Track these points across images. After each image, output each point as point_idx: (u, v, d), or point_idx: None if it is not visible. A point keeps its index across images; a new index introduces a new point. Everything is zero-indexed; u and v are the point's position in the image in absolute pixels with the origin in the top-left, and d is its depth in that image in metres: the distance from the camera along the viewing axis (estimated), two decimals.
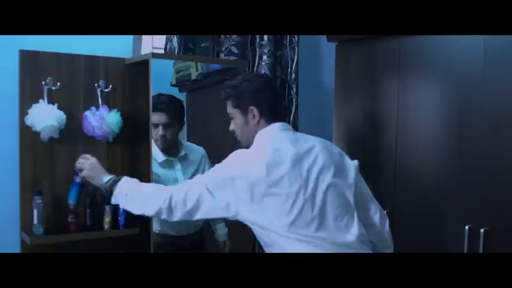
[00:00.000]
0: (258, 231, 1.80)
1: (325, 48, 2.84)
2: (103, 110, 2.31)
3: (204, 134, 2.60)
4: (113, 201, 2.00)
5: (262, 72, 2.71)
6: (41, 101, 2.23)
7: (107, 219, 2.31)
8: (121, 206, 2.03)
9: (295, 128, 2.81)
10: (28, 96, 2.22)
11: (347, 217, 1.79)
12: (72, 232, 2.25)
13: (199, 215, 1.79)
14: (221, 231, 2.59)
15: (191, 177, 2.43)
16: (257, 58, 2.73)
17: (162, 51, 2.58)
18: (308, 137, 1.91)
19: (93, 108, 2.31)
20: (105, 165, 2.41)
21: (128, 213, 2.36)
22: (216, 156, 2.61)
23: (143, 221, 2.37)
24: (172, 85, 2.61)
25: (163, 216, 1.84)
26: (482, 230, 1.92)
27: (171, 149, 2.46)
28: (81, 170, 2.12)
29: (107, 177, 2.04)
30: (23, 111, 2.20)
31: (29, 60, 2.22)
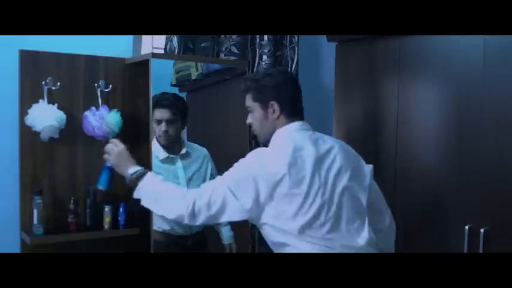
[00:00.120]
0: (268, 231, 1.77)
1: (325, 48, 2.84)
2: (103, 110, 2.31)
3: (204, 134, 2.61)
4: (135, 195, 1.92)
5: None
6: (41, 101, 2.23)
7: (107, 219, 2.32)
8: (141, 204, 1.93)
9: None
10: (28, 96, 2.22)
11: (358, 221, 1.78)
12: (72, 232, 2.25)
13: (223, 218, 1.75)
14: (227, 233, 2.58)
15: (192, 176, 2.47)
16: (257, 58, 2.73)
17: (162, 51, 2.58)
18: (326, 138, 1.88)
19: (93, 108, 2.31)
20: None
21: (127, 213, 2.37)
22: (216, 156, 2.63)
23: (143, 221, 2.37)
24: (172, 85, 2.61)
25: (186, 222, 1.79)
26: (482, 230, 1.92)
27: (173, 146, 2.47)
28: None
29: (133, 169, 1.95)
30: (23, 111, 2.20)
31: (29, 60, 2.23)
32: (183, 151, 2.49)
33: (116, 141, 2.06)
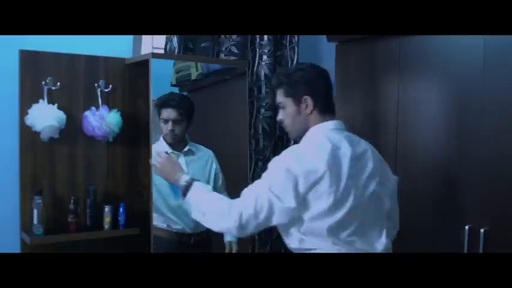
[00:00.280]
0: (291, 232, 1.74)
1: (325, 48, 2.84)
2: (103, 110, 2.31)
3: (204, 134, 2.61)
4: (184, 206, 1.88)
5: (263, 72, 2.71)
6: (41, 101, 2.23)
7: (107, 219, 2.32)
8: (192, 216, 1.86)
9: None
10: (28, 96, 2.22)
11: (378, 227, 1.78)
12: (72, 232, 2.25)
13: (273, 222, 1.69)
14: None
15: (195, 174, 2.46)
16: (257, 58, 2.73)
17: (162, 51, 2.58)
18: (360, 140, 1.84)
19: (93, 108, 2.32)
20: (105, 165, 2.42)
21: (127, 213, 2.37)
22: (216, 156, 2.63)
23: (143, 221, 2.38)
24: (172, 85, 2.61)
25: (235, 234, 1.75)
26: (482, 230, 1.92)
27: (177, 144, 2.48)
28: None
29: (182, 179, 1.88)
30: (23, 111, 2.20)
31: (29, 60, 2.23)
32: (186, 148, 2.50)
33: (162, 154, 2.01)
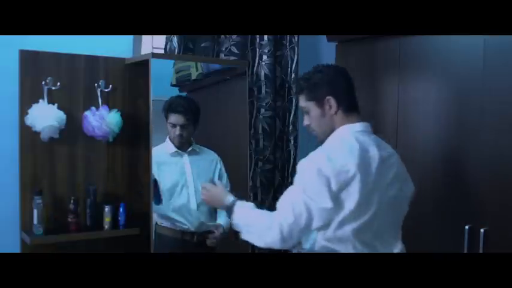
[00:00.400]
0: (319, 241, 1.72)
1: (325, 48, 2.84)
2: (103, 110, 2.31)
3: (204, 134, 2.61)
4: (234, 227, 1.86)
5: (263, 72, 2.71)
6: (41, 101, 2.23)
7: (107, 219, 2.32)
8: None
9: (295, 127, 2.81)
10: (28, 96, 2.22)
11: (394, 232, 1.79)
12: (72, 232, 2.25)
13: (314, 225, 1.66)
14: (222, 218, 2.57)
15: (199, 173, 2.51)
16: (257, 58, 2.73)
17: (162, 51, 2.58)
18: (386, 144, 1.83)
19: (93, 108, 2.32)
20: (105, 165, 2.42)
21: (127, 213, 2.37)
22: None
23: (143, 221, 2.38)
24: (172, 85, 2.61)
25: (279, 247, 1.71)
26: (482, 230, 1.92)
27: (183, 145, 2.52)
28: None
29: (227, 200, 1.88)
30: (23, 111, 2.20)
31: (29, 60, 2.23)
32: (190, 148, 2.53)
33: (207, 185, 1.99)
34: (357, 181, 1.63)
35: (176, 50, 2.52)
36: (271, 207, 2.77)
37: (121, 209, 2.36)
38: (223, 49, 2.67)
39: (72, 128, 2.30)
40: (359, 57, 2.47)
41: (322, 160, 1.66)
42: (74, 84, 2.33)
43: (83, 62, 2.35)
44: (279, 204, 1.72)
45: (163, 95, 2.51)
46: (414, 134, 2.22)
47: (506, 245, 1.87)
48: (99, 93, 2.36)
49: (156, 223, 2.45)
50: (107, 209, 2.32)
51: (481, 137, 1.96)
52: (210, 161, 2.60)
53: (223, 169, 2.62)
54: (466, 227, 1.97)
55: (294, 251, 1.80)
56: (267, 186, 2.77)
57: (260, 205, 2.75)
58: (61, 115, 2.23)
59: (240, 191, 2.66)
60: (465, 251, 1.97)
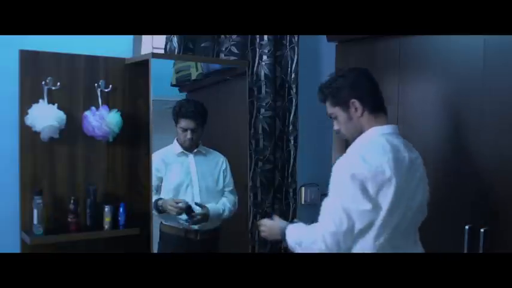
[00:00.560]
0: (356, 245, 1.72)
1: (325, 48, 2.84)
2: (103, 110, 2.31)
3: (204, 134, 2.61)
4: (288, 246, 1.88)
5: (263, 72, 2.71)
6: (41, 101, 2.23)
7: (107, 219, 2.32)
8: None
9: (295, 127, 2.81)
10: (28, 96, 2.22)
11: (415, 235, 1.81)
12: (72, 232, 2.25)
13: (357, 227, 1.66)
14: (215, 207, 2.59)
15: (204, 173, 2.55)
16: (257, 58, 2.73)
17: (162, 51, 2.57)
18: (411, 146, 1.83)
19: (93, 108, 2.32)
20: (105, 165, 2.42)
21: (127, 213, 2.37)
22: None
23: (143, 221, 2.38)
24: (172, 85, 2.61)
25: (330, 251, 1.71)
26: (482, 230, 1.92)
27: (191, 147, 2.56)
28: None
29: (281, 228, 1.89)
30: (23, 111, 2.20)
31: (29, 60, 2.23)
32: (196, 150, 2.57)
33: (264, 221, 2.01)
34: (393, 182, 1.64)
35: (176, 50, 2.52)
36: (271, 207, 2.79)
37: (121, 209, 2.36)
38: (223, 49, 2.67)
39: (72, 128, 2.30)
40: (359, 57, 2.47)
41: (356, 164, 1.66)
42: (74, 84, 2.33)
43: (83, 62, 2.35)
44: (320, 217, 1.73)
45: (163, 95, 2.51)
46: (414, 133, 2.21)
47: (506, 245, 1.87)
48: (99, 93, 2.35)
49: (161, 222, 2.48)
50: (107, 209, 2.32)
51: (481, 137, 1.96)
52: (216, 161, 2.63)
53: (228, 170, 2.64)
54: (466, 227, 1.97)
55: None
56: (267, 186, 2.77)
57: (260, 205, 2.76)
58: (61, 115, 2.23)
59: (240, 191, 2.67)
60: (465, 251, 1.97)
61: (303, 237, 1.78)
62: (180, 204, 2.45)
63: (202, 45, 2.62)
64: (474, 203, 1.98)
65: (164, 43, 2.55)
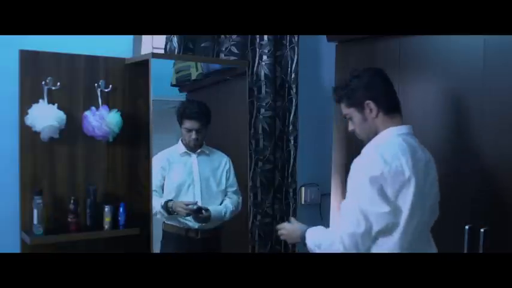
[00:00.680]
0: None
1: (325, 48, 2.84)
2: (103, 110, 2.31)
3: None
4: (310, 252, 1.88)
5: (263, 72, 2.71)
6: (41, 101, 2.23)
7: (107, 219, 2.32)
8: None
9: (295, 127, 2.81)
10: (28, 96, 2.22)
11: (429, 234, 1.81)
12: (72, 232, 2.25)
13: (375, 228, 1.65)
14: (217, 207, 2.60)
15: (207, 173, 2.57)
16: (257, 58, 2.73)
17: (162, 51, 2.57)
18: (424, 147, 1.82)
19: (93, 108, 2.31)
20: (105, 165, 2.42)
21: (127, 213, 2.37)
22: None
23: (143, 221, 2.38)
24: (172, 85, 2.61)
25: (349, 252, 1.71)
26: (482, 230, 1.92)
27: (196, 147, 2.58)
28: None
29: (302, 234, 1.88)
30: (23, 111, 2.20)
31: (29, 60, 2.22)
32: (199, 150, 2.58)
33: (283, 225, 2.00)
34: (412, 183, 1.64)
35: (176, 50, 2.52)
36: (271, 207, 2.79)
37: (121, 209, 2.36)
38: (223, 49, 2.67)
39: (72, 128, 2.30)
40: (359, 57, 2.47)
41: (376, 163, 1.65)
42: (74, 84, 2.33)
43: (83, 62, 2.35)
44: (338, 219, 1.73)
45: (163, 95, 2.51)
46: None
47: (506, 245, 1.87)
48: (99, 93, 2.35)
49: (164, 221, 2.51)
50: (107, 209, 2.32)
51: (481, 137, 1.96)
52: (219, 161, 2.64)
53: (232, 170, 2.65)
54: (466, 227, 1.97)
55: None
56: (267, 186, 2.77)
57: (260, 205, 2.76)
58: (61, 115, 2.23)
59: (240, 191, 2.67)
60: (465, 251, 1.97)
61: (322, 239, 1.78)
62: (190, 207, 2.47)
63: (202, 45, 2.62)
64: (474, 203, 1.98)
65: (164, 43, 2.55)
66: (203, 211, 2.50)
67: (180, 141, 2.56)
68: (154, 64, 2.27)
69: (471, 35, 1.90)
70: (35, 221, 2.17)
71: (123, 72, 2.44)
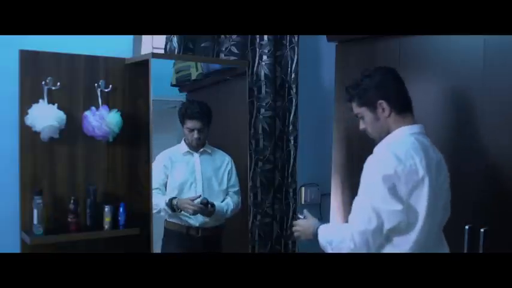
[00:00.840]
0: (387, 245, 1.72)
1: (325, 48, 2.84)
2: (103, 110, 2.31)
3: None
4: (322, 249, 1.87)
5: (263, 72, 2.71)
6: (41, 101, 2.23)
7: (107, 219, 2.32)
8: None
9: (295, 127, 2.81)
10: (28, 96, 2.22)
11: (441, 234, 1.81)
12: (72, 232, 2.25)
13: (386, 227, 1.64)
14: (221, 204, 2.61)
15: (209, 172, 2.58)
16: (257, 58, 2.73)
17: (162, 51, 2.58)
18: (435, 147, 1.81)
19: (93, 108, 2.32)
20: (105, 165, 2.42)
21: (127, 213, 2.37)
22: None
23: (143, 221, 2.38)
24: (172, 85, 2.61)
25: (360, 250, 1.70)
26: (482, 230, 1.92)
27: (198, 146, 2.59)
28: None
29: (315, 231, 1.86)
30: (23, 111, 2.20)
31: (29, 60, 2.23)
32: (202, 149, 2.59)
33: (300, 221, 1.97)
34: (425, 182, 1.64)
35: (176, 50, 2.52)
36: (271, 207, 2.79)
37: (121, 209, 2.36)
38: (223, 49, 2.67)
39: (72, 128, 2.30)
40: (359, 57, 2.47)
41: (390, 161, 1.65)
42: (74, 84, 2.33)
43: (83, 62, 2.35)
44: (350, 216, 1.72)
45: (163, 95, 2.51)
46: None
47: (506, 245, 1.87)
48: (99, 93, 2.35)
49: (166, 219, 2.52)
50: (107, 209, 2.32)
51: (481, 136, 1.96)
52: (221, 161, 2.65)
53: (233, 170, 2.66)
54: (466, 227, 1.97)
55: None
56: (267, 186, 2.77)
57: (260, 205, 2.76)
58: (61, 115, 2.23)
59: (240, 191, 2.67)
60: (465, 251, 1.97)
61: (334, 236, 1.77)
62: (197, 202, 2.48)
63: (202, 45, 2.62)
64: (474, 203, 1.98)
65: (164, 43, 2.55)
66: (209, 205, 2.51)
67: (183, 141, 2.57)
68: (154, 64, 2.27)
69: (471, 35, 1.90)
70: (35, 221, 2.17)
71: (123, 72, 2.44)
